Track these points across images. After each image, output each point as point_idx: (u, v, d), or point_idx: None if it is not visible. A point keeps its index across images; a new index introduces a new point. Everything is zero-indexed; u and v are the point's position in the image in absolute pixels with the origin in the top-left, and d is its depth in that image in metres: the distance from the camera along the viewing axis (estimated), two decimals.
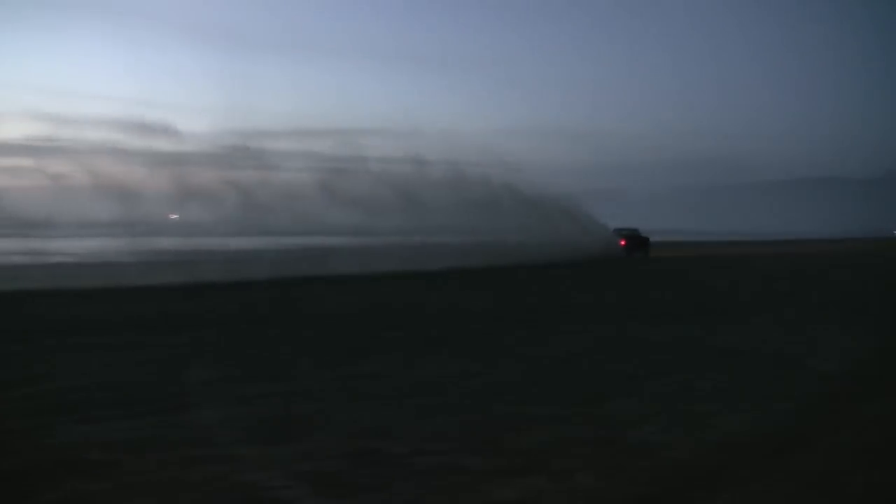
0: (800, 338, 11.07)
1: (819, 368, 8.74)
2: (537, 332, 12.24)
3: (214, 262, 27.18)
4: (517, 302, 17.97)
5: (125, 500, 4.71)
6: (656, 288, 21.92)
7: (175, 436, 6.08)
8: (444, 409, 7.04)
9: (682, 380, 8.20)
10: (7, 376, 8.56)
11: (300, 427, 6.36)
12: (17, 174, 38.10)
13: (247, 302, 17.61)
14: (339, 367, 9.18)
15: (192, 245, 32.53)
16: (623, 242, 51.30)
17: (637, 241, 52.51)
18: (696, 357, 9.72)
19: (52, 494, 4.79)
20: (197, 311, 15.99)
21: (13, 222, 32.27)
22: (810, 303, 16.75)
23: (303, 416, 6.78)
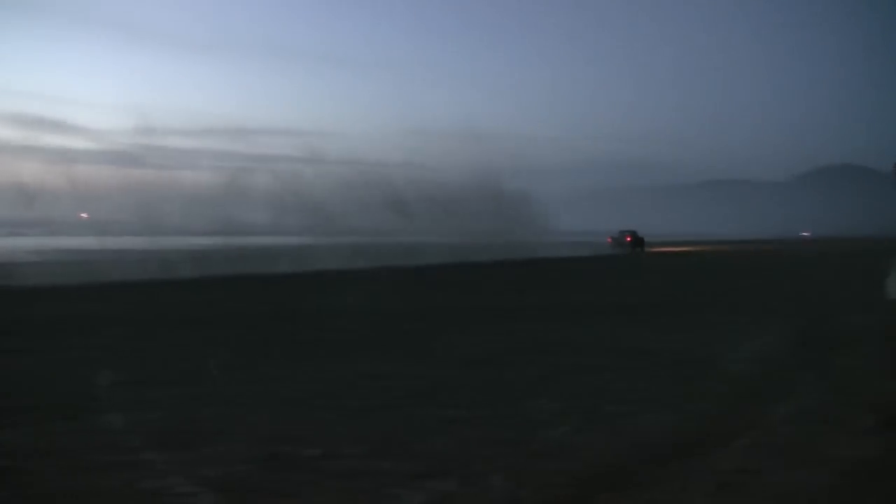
0: (713, 336, 11.35)
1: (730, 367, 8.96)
2: (456, 330, 12.24)
3: (102, 262, 27.09)
4: (428, 303, 17.96)
5: None
6: (579, 289, 22.22)
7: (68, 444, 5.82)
8: (352, 411, 6.92)
9: (597, 380, 8.27)
10: None
11: (206, 432, 6.18)
12: None
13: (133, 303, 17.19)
14: (245, 370, 8.98)
15: (96, 245, 32.06)
16: (629, 239, 69.46)
17: (637, 239, 69.40)
18: (613, 357, 9.83)
19: None
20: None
21: None
22: (728, 304, 17.22)
23: (209, 420, 6.59)
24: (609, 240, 76.69)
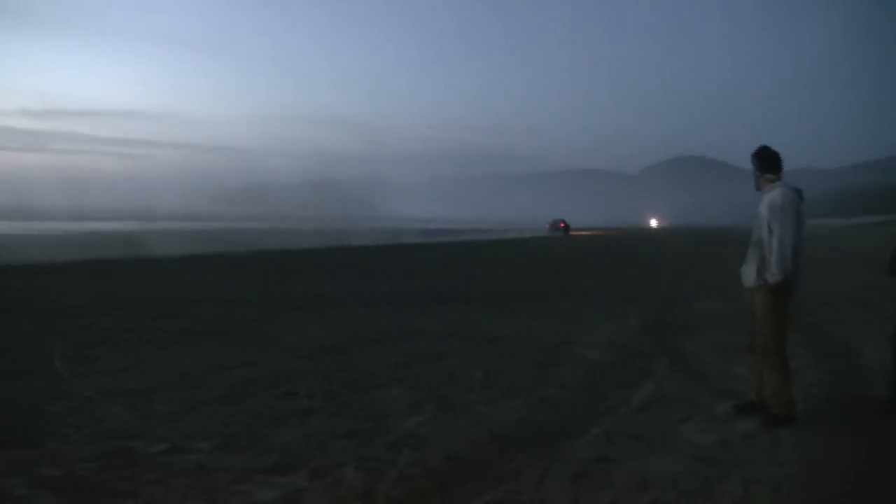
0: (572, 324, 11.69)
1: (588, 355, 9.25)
2: (305, 318, 12.10)
3: None
4: (273, 289, 17.69)
5: None
6: (423, 276, 22.40)
7: None
8: (200, 403, 6.75)
9: (452, 368, 8.36)
10: None
11: (45, 428, 5.89)
12: None
13: None
14: (86, 362, 8.60)
15: None
16: (562, 225, 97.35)
17: (567, 225, 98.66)
18: (468, 345, 9.95)
19: None
20: None
21: None
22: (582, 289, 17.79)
23: (49, 415, 6.30)
24: (547, 226, 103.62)
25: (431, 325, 11.66)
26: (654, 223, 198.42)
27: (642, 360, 8.83)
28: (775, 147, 6.42)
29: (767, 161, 6.33)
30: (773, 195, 6.14)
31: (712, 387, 7.45)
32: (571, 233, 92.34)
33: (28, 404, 6.72)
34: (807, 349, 9.26)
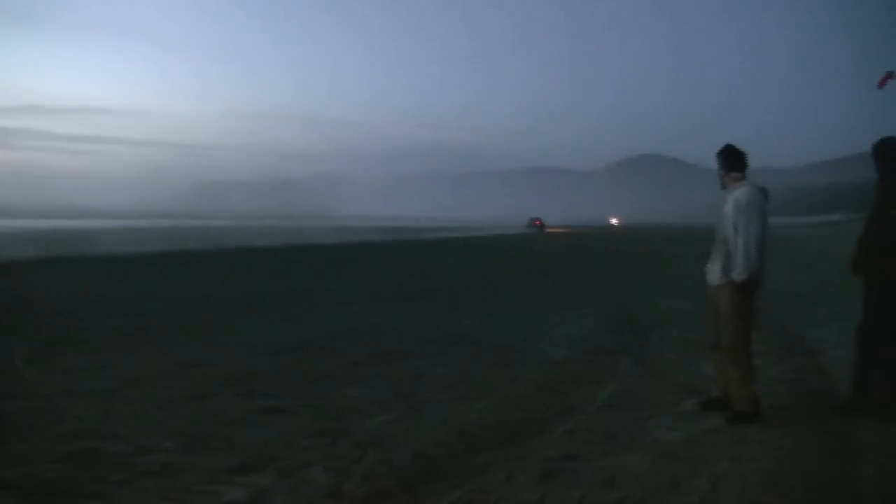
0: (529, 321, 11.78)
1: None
2: (267, 316, 12.06)
3: None
4: (234, 287, 17.61)
5: None
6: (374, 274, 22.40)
7: None
8: (163, 402, 6.71)
9: (414, 367, 8.40)
10: None
11: (5, 429, 5.86)
12: None
13: None
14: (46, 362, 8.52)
15: None
16: (538, 223, 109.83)
17: (542, 223, 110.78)
18: (431, 343, 9.99)
19: None
20: None
21: None
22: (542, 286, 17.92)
23: (8, 416, 6.25)
24: (525, 223, 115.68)
25: (395, 323, 11.69)
26: (614, 221, 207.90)
27: (606, 358, 8.94)
28: (740, 146, 6.55)
29: (733, 159, 6.45)
30: (739, 194, 6.27)
31: (676, 384, 7.58)
32: (546, 230, 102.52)
33: None
34: (769, 346, 9.44)
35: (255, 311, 12.92)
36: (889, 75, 7.73)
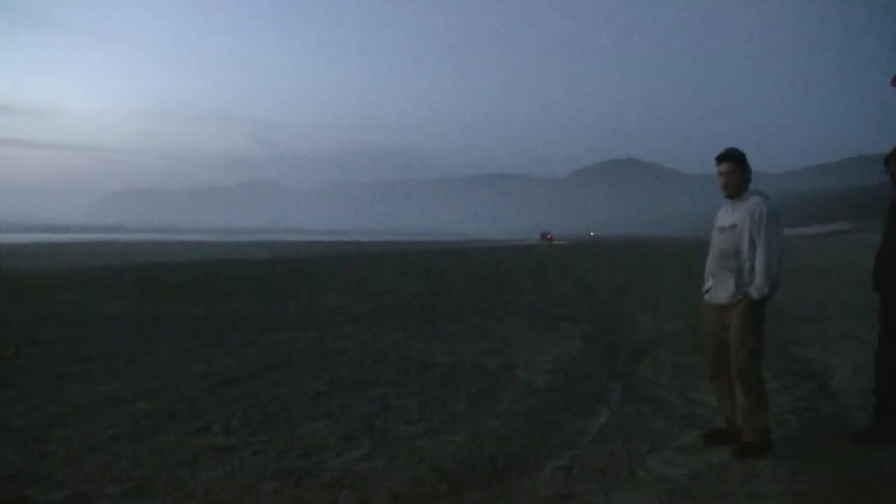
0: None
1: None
2: (209, 341, 11.98)
3: None
4: (166, 309, 17.44)
5: None
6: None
7: None
8: (100, 441, 6.64)
9: (383, 396, 8.42)
10: None
11: None
12: None
13: None
14: None
15: None
16: (549, 237, 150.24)
17: (550, 237, 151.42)
18: (401, 369, 10.01)
19: None
20: None
21: None
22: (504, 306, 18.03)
23: None
24: (538, 236, 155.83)
25: (353, 348, 11.68)
26: (591, 234, 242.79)
27: (594, 386, 9.05)
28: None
29: (747, 165, 6.57)
30: (754, 203, 6.40)
31: (674, 413, 7.70)
32: (555, 242, 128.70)
33: None
34: (772, 372, 9.64)
35: (190, 336, 12.77)
36: None
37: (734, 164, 6.51)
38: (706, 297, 6.73)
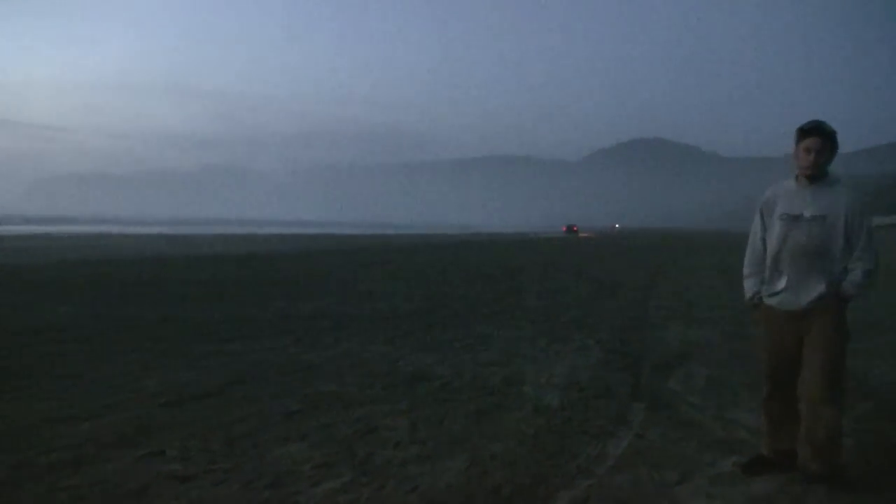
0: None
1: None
2: (164, 351, 11.98)
3: None
4: (113, 314, 17.44)
5: None
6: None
7: None
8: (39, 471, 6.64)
9: (367, 416, 8.41)
10: None
11: None
12: None
13: None
14: None
15: None
16: (574, 228, 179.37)
17: (576, 229, 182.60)
18: (389, 384, 10.01)
19: None
20: None
21: None
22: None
23: None
24: (564, 228, 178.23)
25: (333, 359, 11.67)
26: (616, 226, 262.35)
27: (613, 404, 9.04)
28: None
29: (837, 143, 6.36)
30: (846, 191, 6.30)
31: (708, 438, 7.68)
32: (581, 235, 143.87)
33: None
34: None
35: (144, 345, 12.75)
36: None
37: (826, 140, 6.27)
38: (772, 301, 6.55)
